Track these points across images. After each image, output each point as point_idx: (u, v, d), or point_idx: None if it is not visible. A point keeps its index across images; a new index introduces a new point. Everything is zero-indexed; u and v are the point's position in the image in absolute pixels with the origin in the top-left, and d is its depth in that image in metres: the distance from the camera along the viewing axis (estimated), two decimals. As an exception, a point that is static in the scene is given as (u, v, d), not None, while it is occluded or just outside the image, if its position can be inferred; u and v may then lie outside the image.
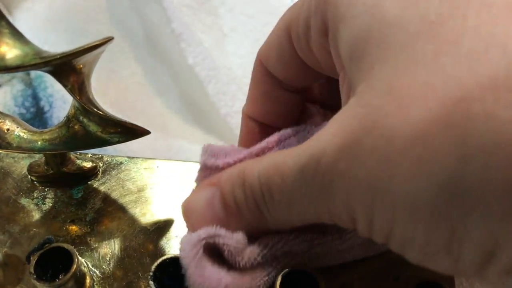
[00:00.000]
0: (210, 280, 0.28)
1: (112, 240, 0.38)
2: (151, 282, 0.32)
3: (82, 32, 0.42)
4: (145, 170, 0.42)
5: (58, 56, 0.29)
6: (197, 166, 0.42)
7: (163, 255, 0.34)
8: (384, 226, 0.19)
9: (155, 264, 0.33)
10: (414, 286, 0.32)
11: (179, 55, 0.50)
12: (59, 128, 0.36)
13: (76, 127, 0.36)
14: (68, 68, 0.31)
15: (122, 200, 0.40)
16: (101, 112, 0.35)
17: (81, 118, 0.36)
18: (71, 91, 0.32)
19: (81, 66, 0.31)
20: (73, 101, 0.36)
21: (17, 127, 0.36)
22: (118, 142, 0.36)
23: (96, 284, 0.36)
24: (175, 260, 0.33)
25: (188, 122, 0.48)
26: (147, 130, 0.36)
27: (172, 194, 0.40)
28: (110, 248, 0.37)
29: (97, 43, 0.29)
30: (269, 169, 0.25)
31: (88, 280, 0.35)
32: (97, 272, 0.36)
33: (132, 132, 0.36)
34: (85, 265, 0.36)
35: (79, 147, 0.36)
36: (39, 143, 0.36)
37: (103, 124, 0.35)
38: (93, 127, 0.35)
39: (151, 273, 0.32)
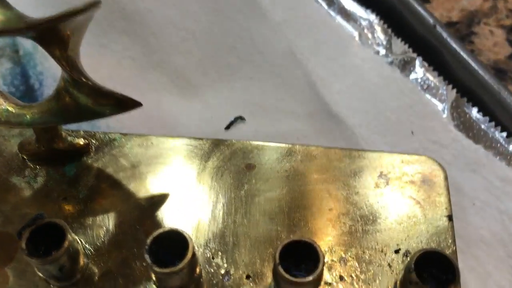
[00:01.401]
0: None
1: (106, 217, 0.37)
2: (146, 256, 0.31)
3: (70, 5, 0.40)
4: (139, 147, 0.41)
5: (43, 21, 0.27)
6: (192, 142, 0.41)
7: (159, 227, 0.33)
8: None
9: (151, 237, 0.32)
10: (415, 258, 0.31)
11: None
12: (48, 101, 0.35)
13: (66, 99, 0.35)
14: (54, 35, 0.29)
15: (115, 177, 0.39)
16: (90, 83, 0.33)
17: (70, 90, 0.34)
18: (59, 61, 0.31)
19: (68, 33, 0.30)
20: (62, 73, 0.34)
21: (5, 101, 0.35)
22: (110, 114, 0.35)
23: (91, 262, 0.35)
24: (171, 234, 0.32)
25: (184, 98, 0.47)
26: (139, 102, 0.35)
27: (167, 170, 0.39)
28: (104, 225, 0.36)
29: (83, 7, 0.28)
30: None
31: (82, 257, 0.34)
32: (92, 249, 0.35)
33: (123, 103, 0.34)
34: (79, 242, 0.35)
35: (70, 120, 0.35)
36: (28, 116, 0.35)
37: (94, 96, 0.34)
38: (83, 99, 0.34)
39: (146, 247, 0.31)
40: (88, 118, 0.35)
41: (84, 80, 0.33)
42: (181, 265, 0.31)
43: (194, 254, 0.31)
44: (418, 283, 0.30)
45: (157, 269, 0.31)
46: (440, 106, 0.47)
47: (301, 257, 0.31)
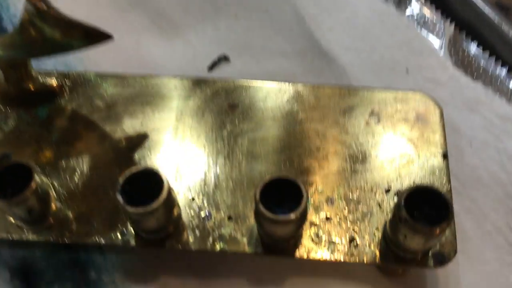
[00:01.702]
0: None
1: (81, 160, 0.35)
2: (118, 196, 0.29)
3: None
4: (115, 87, 0.38)
5: None
6: (171, 81, 0.39)
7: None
8: None
9: (123, 176, 0.30)
10: (405, 195, 0.29)
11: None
12: (12, 35, 0.33)
13: (31, 32, 0.32)
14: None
15: (90, 118, 0.37)
16: (56, 13, 0.31)
17: (35, 21, 0.32)
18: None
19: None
20: (25, 3, 0.32)
21: (-35, 35, 0.32)
22: (78, 47, 0.32)
23: (64, 205, 0.33)
24: (145, 173, 0.30)
25: (165, 38, 0.44)
26: (109, 34, 0.32)
27: (145, 111, 0.37)
28: (79, 168, 0.34)
29: None
30: None
31: (54, 201, 0.32)
32: (65, 193, 0.33)
33: (92, 35, 0.32)
34: (50, 185, 0.33)
35: (35, 54, 0.33)
36: (-10, 50, 0.32)
37: (60, 27, 0.32)
38: (48, 31, 0.32)
39: (119, 186, 0.29)
40: (55, 51, 0.32)
41: (48, 9, 0.31)
42: (155, 205, 0.29)
43: (170, 194, 0.29)
44: (408, 220, 0.28)
45: (130, 209, 0.29)
46: (437, 42, 0.44)
47: (284, 197, 0.30)
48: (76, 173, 0.34)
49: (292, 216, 0.28)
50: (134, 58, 0.44)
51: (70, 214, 0.33)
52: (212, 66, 0.43)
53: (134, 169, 0.30)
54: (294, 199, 0.29)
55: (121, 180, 0.29)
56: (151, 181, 0.30)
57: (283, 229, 0.29)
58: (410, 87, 0.42)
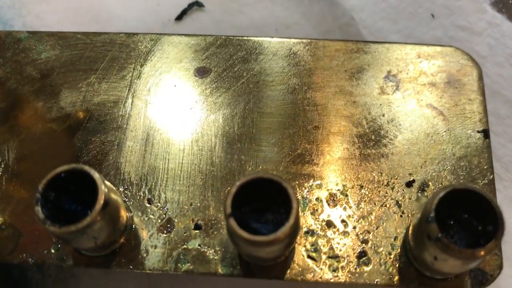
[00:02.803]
0: None
1: (5, 148, 0.27)
2: (37, 208, 0.21)
3: None
4: (52, 49, 0.29)
5: None
6: (122, 38, 0.29)
7: (74, 163, 0.23)
8: None
9: (44, 181, 0.21)
10: (437, 200, 0.20)
11: None
12: None
13: None
14: None
15: (20, 91, 0.28)
16: None
17: None
18: None
19: None
20: None
21: None
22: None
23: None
24: (73, 174, 0.22)
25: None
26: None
27: (87, 81, 0.28)
28: (3, 158, 0.26)
29: None
30: None
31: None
32: (-13, 191, 0.26)
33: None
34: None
35: None
36: None
37: None
38: None
39: (37, 195, 0.21)
40: None
41: None
42: (86, 221, 0.21)
43: (109, 201, 0.21)
44: (441, 239, 0.19)
45: (52, 228, 0.21)
46: (472, -23, 0.34)
47: (269, 199, 0.21)
48: (0, 166, 0.26)
49: (276, 236, 0.20)
50: (85, 10, 0.35)
51: (-11, 222, 0.25)
52: (181, 15, 0.34)
53: (59, 170, 0.22)
54: (283, 203, 0.21)
55: (40, 186, 0.21)
56: (85, 184, 0.22)
57: (265, 250, 0.21)
58: (437, 38, 0.32)
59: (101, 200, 0.21)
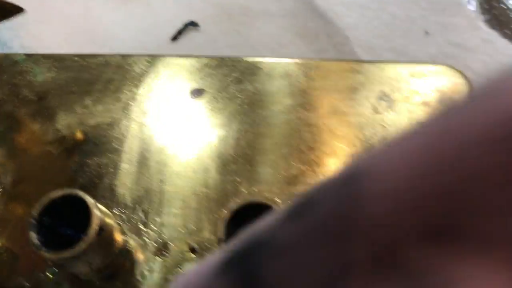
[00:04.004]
0: None
1: (3, 170, 0.27)
2: (31, 234, 0.21)
3: None
4: (48, 71, 0.30)
5: None
6: (118, 60, 0.30)
7: (70, 185, 0.23)
8: None
9: (39, 205, 0.22)
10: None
11: None
12: None
13: None
14: None
15: (16, 114, 0.29)
16: None
17: None
18: None
19: None
20: None
21: None
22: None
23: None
24: (67, 199, 0.22)
25: (119, 1, 0.35)
26: (19, 7, 0.23)
27: (84, 102, 0.28)
28: (0, 180, 0.27)
29: None
30: None
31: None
32: (-17, 216, 0.26)
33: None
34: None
35: None
36: None
37: None
38: None
39: (32, 220, 0.21)
40: None
41: None
42: (80, 246, 0.21)
43: (101, 229, 0.21)
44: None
45: (46, 254, 0.21)
46: (465, -6, 0.34)
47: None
48: (-4, 190, 0.26)
49: (268, 262, 0.20)
50: (83, 30, 0.35)
51: (-14, 247, 0.25)
52: (176, 36, 0.34)
53: (53, 195, 0.22)
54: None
55: (35, 211, 0.21)
56: (79, 209, 0.22)
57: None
58: (431, 55, 0.33)
59: (95, 226, 0.21)
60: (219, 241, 0.20)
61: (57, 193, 0.22)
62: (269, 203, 0.21)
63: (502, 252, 0.11)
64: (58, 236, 0.22)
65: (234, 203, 0.21)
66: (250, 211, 0.21)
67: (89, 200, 0.21)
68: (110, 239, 0.23)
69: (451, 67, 0.29)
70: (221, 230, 0.20)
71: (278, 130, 0.27)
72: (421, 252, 0.11)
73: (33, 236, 0.21)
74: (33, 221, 0.21)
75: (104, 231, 0.22)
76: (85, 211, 0.21)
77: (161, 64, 0.29)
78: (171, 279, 0.24)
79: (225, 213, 0.21)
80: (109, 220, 0.22)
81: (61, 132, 0.28)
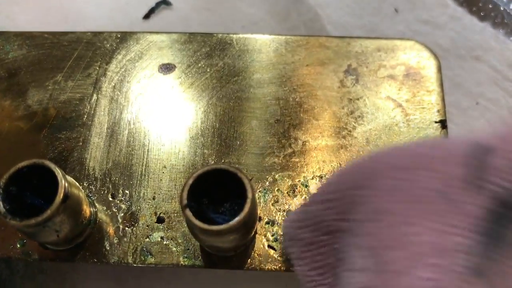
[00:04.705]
0: None
1: (-27, 146, 0.27)
2: (-1, 204, 0.21)
3: None
4: (19, 48, 0.30)
5: None
6: (89, 37, 0.30)
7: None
8: None
9: (6, 175, 0.22)
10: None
11: None
12: None
13: None
14: None
15: (-13, 91, 0.29)
16: None
17: None
18: None
19: None
20: None
21: None
22: None
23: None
24: (34, 169, 0.22)
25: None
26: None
27: (54, 79, 0.29)
28: (-29, 157, 0.27)
29: None
30: None
31: None
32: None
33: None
34: None
35: None
36: None
37: None
38: None
39: (-1, 190, 0.21)
40: None
41: None
42: (47, 214, 0.21)
43: (68, 195, 0.22)
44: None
45: (13, 222, 0.21)
46: (434, -28, 0.35)
47: (229, 189, 0.22)
48: (-33, 165, 0.27)
49: (229, 225, 0.20)
50: (55, 10, 0.35)
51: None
52: (148, 14, 0.34)
53: (20, 164, 0.22)
54: (241, 193, 0.21)
55: (2, 180, 0.22)
56: (47, 179, 0.22)
57: (221, 240, 0.22)
58: (400, 32, 0.33)
59: (61, 194, 0.21)
60: (183, 207, 0.21)
61: (24, 163, 0.22)
62: (233, 170, 0.21)
63: None
64: (26, 206, 0.22)
65: (198, 170, 0.21)
66: (216, 179, 0.22)
67: (56, 169, 0.22)
68: (78, 208, 0.23)
69: (418, 42, 0.29)
70: (184, 196, 0.21)
71: (247, 104, 0.27)
72: None
73: (0, 205, 0.21)
74: (0, 190, 0.22)
75: (71, 200, 0.22)
76: (54, 181, 0.22)
77: (131, 40, 0.30)
78: (138, 248, 0.24)
79: (189, 179, 0.21)
80: (76, 190, 0.23)
81: (31, 107, 0.28)
